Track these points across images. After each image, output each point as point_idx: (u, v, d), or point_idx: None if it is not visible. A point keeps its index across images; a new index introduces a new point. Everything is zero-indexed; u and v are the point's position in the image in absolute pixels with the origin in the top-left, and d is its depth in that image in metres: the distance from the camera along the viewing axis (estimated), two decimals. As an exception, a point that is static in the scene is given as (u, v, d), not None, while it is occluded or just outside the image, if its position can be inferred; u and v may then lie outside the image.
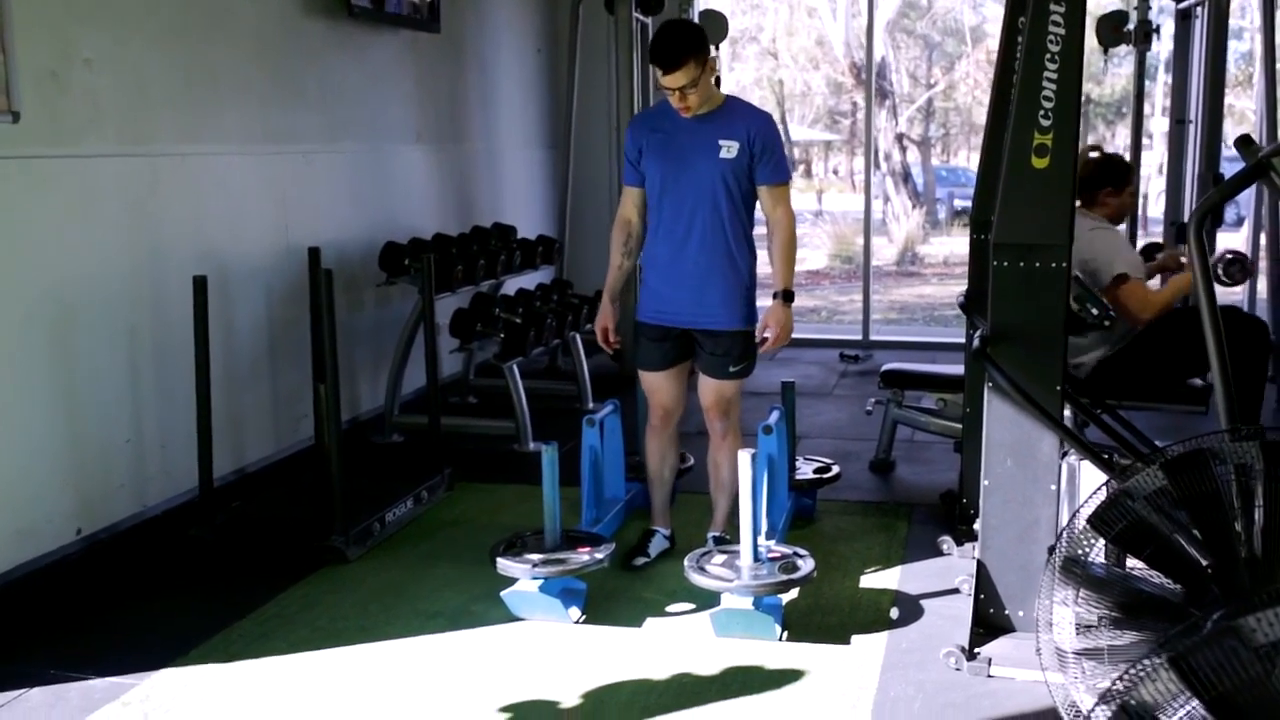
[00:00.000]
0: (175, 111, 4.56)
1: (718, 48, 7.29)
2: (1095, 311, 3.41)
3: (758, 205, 3.84)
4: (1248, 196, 8.14)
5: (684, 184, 3.76)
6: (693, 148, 3.74)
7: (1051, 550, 2.50)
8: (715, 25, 7.21)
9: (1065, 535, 2.47)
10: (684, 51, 3.58)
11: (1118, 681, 1.58)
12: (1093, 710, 1.66)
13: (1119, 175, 4.61)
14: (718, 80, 6.99)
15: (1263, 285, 7.31)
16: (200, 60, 4.69)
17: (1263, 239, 7.34)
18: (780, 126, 23.26)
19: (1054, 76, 3.13)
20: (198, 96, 4.68)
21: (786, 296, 3.76)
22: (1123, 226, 5.47)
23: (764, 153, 3.73)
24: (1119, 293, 4.35)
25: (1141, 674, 1.56)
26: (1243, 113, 15.79)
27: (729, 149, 3.71)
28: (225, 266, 4.78)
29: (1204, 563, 2.38)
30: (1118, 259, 4.41)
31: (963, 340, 4.79)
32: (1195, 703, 1.56)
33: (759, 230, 3.85)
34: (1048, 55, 3.12)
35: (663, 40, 3.63)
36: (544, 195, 8.27)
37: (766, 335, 3.77)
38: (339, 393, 4.28)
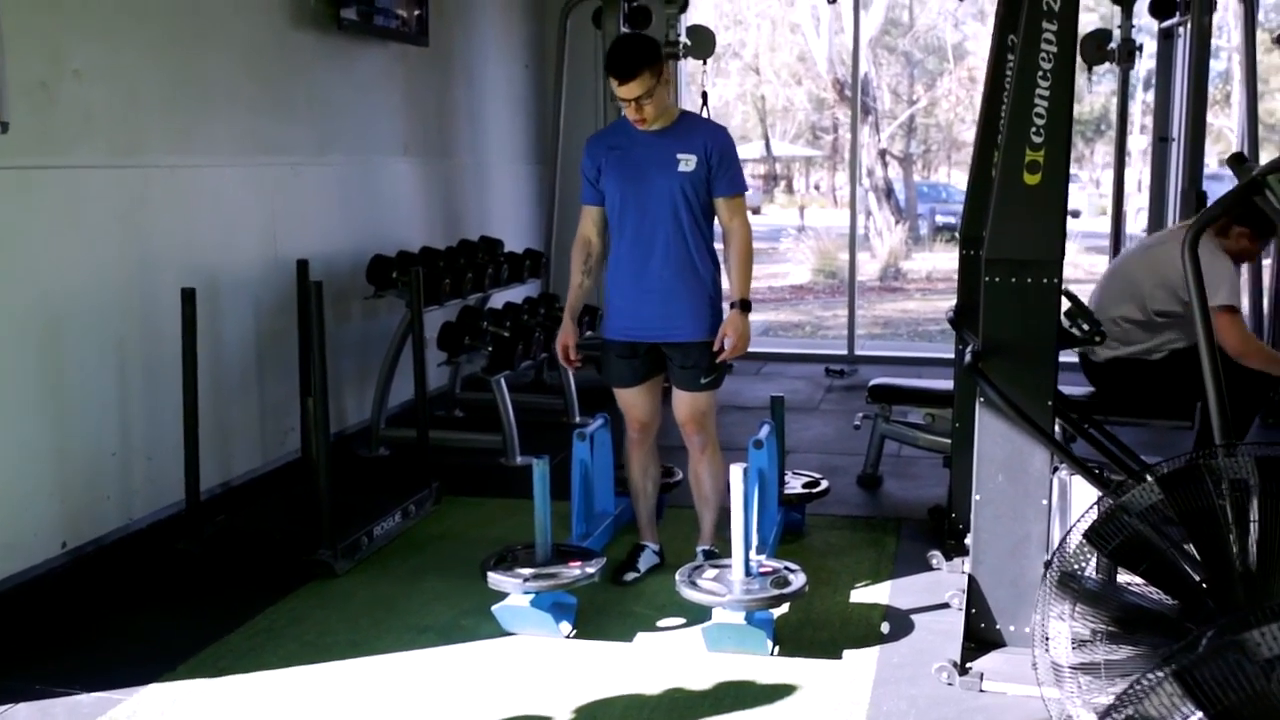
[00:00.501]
0: (165, 123, 4.55)
1: (705, 62, 7.33)
2: (1085, 327, 3.43)
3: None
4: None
5: (644, 198, 3.78)
6: (650, 162, 3.77)
7: (1048, 565, 2.50)
8: (702, 40, 7.26)
9: (1061, 550, 2.48)
10: (639, 62, 3.60)
11: (1123, 696, 1.58)
12: (1094, 725, 1.67)
13: (1264, 225, 4.47)
14: (705, 95, 7.06)
15: (1245, 304, 7.37)
16: (190, 72, 4.68)
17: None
18: (761, 142, 23.37)
19: (1046, 94, 3.15)
20: (187, 108, 4.67)
21: (744, 306, 3.79)
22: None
23: (721, 165, 3.76)
24: (1218, 321, 4.07)
25: (1147, 688, 1.57)
26: (1220, 131, 15.96)
27: (687, 162, 3.73)
28: (213, 278, 4.76)
29: (1197, 578, 2.40)
30: (1226, 288, 4.35)
31: (948, 355, 4.83)
32: (1199, 716, 1.57)
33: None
34: (1040, 73, 3.14)
35: (617, 51, 3.67)
36: (530, 209, 8.28)
37: (725, 345, 3.78)
38: (328, 405, 4.26)
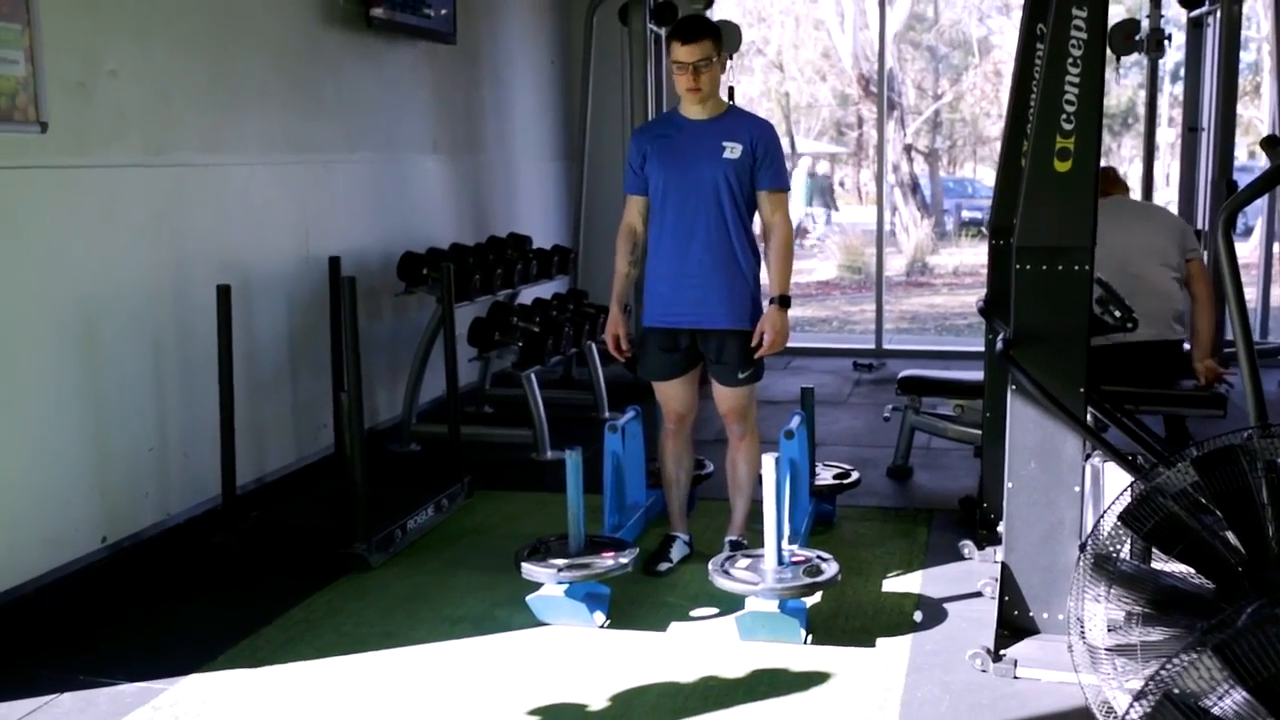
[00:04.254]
0: (198, 122, 4.60)
1: (731, 58, 7.34)
2: (1118, 314, 3.42)
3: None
4: (1255, 207, 8.16)
5: (687, 185, 3.81)
6: (696, 149, 3.81)
7: (1083, 548, 2.51)
8: (729, 35, 7.26)
9: (1096, 532, 2.48)
10: (704, 30, 3.76)
11: (1162, 670, 1.59)
12: (1132, 705, 1.67)
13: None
14: (731, 91, 7.08)
15: (1276, 293, 7.33)
16: (222, 71, 4.72)
17: (1277, 248, 7.36)
18: (786, 139, 23.34)
19: (1076, 81, 3.15)
20: (220, 107, 4.71)
21: (783, 302, 3.82)
22: None
23: (766, 157, 3.80)
24: (1202, 266, 4.81)
25: (1186, 663, 1.58)
26: (1250, 122, 15.84)
27: (732, 150, 3.77)
28: (246, 276, 4.81)
29: (1233, 560, 2.39)
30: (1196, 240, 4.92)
31: (976, 349, 4.82)
32: (1239, 691, 1.57)
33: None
34: (1070, 60, 3.14)
35: (685, 20, 3.85)
36: (558, 206, 8.31)
37: (763, 340, 3.81)
38: (361, 400, 4.30)
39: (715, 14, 7.46)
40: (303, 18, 5.30)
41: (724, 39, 6.13)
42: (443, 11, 6.27)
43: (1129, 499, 2.43)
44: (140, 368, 4.31)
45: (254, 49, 4.94)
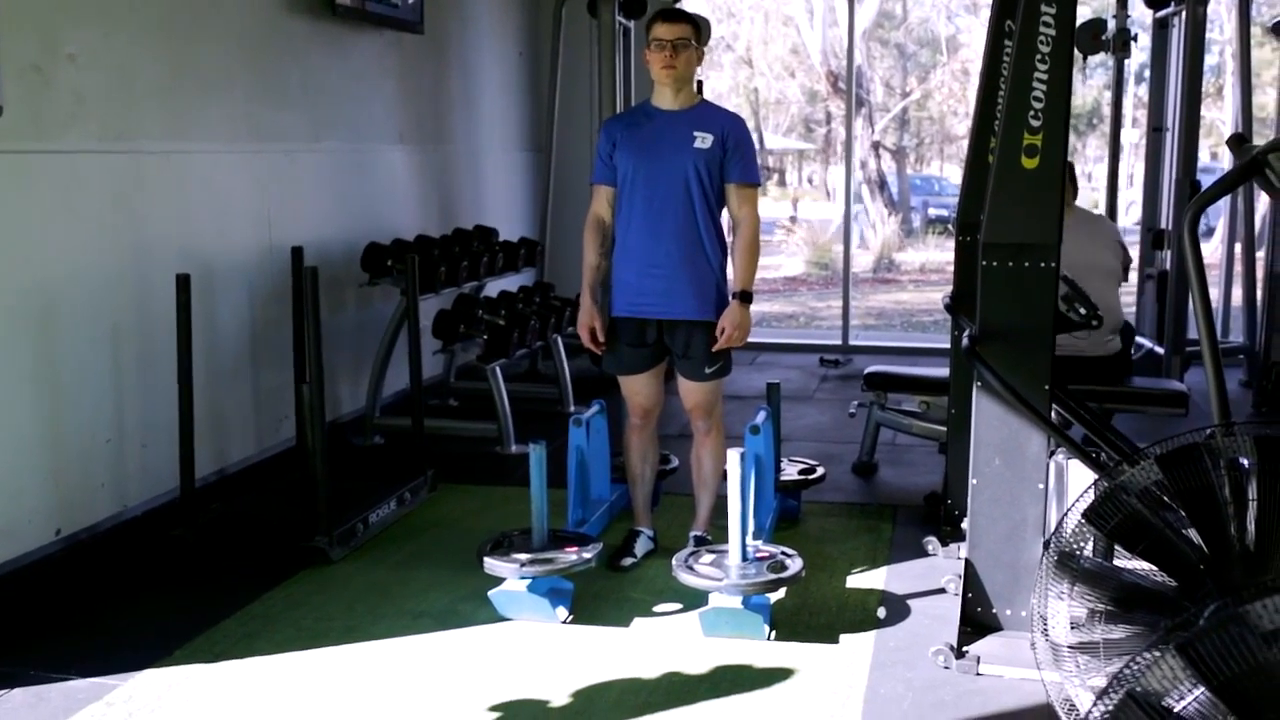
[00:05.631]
0: (159, 108, 4.52)
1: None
2: (1083, 311, 3.43)
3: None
4: (1216, 207, 8.24)
5: (657, 173, 3.79)
6: (667, 138, 3.79)
7: (1047, 545, 2.51)
8: (698, 28, 7.25)
9: (1060, 530, 2.48)
10: (687, 17, 3.82)
11: (1125, 669, 1.59)
12: (1096, 702, 1.67)
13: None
14: (700, 86, 7.06)
15: (1237, 293, 7.41)
16: (184, 57, 4.65)
17: (1237, 249, 7.44)
18: (755, 135, 23.36)
19: (1044, 77, 3.15)
20: (182, 93, 4.64)
21: (745, 297, 3.79)
22: None
23: (736, 150, 3.78)
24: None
25: (1149, 662, 1.57)
26: (1211, 123, 16.00)
27: (703, 139, 3.76)
28: (207, 265, 4.74)
29: (1195, 557, 2.40)
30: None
31: (942, 345, 4.83)
32: (1201, 689, 1.57)
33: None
34: (1038, 56, 3.14)
35: (669, 7, 3.99)
36: (525, 198, 8.26)
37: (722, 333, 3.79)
38: (323, 392, 4.25)
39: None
40: (267, 4, 5.24)
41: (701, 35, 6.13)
42: (410, 0, 6.21)
43: (1093, 496, 2.43)
44: (97, 357, 4.24)
45: (217, 35, 4.87)
